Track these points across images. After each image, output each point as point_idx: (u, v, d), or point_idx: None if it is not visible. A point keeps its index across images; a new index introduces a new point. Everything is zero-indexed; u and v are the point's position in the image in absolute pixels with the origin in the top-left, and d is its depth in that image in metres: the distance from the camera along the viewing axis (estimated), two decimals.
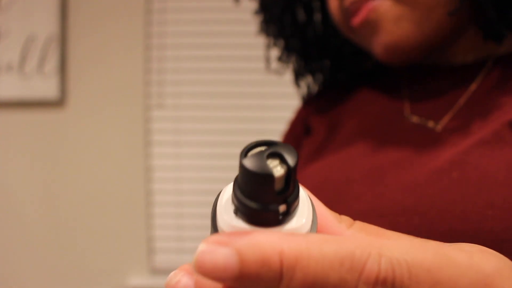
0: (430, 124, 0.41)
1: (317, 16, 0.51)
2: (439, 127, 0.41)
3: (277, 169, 0.17)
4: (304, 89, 0.57)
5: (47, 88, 1.49)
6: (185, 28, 1.52)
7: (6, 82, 1.50)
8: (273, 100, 1.50)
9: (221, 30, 1.51)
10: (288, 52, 0.54)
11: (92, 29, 1.51)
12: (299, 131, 0.54)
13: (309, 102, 0.56)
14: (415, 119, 0.43)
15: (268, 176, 0.17)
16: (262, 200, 0.17)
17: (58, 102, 1.51)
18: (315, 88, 0.57)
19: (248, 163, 0.17)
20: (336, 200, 0.41)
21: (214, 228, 0.20)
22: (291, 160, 0.17)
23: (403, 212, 0.36)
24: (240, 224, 0.19)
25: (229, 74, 1.52)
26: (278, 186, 0.17)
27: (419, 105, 0.43)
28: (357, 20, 0.40)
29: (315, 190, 0.42)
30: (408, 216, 0.35)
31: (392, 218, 0.36)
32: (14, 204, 1.53)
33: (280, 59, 0.55)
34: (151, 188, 1.53)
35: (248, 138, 1.47)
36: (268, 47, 0.55)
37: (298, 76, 0.55)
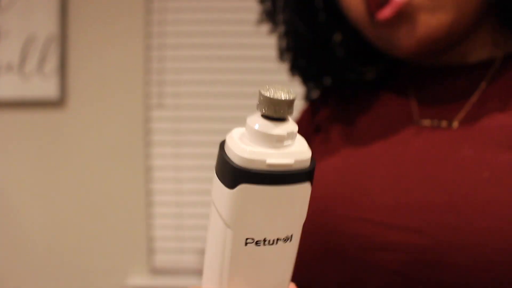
0: (443, 124, 0.41)
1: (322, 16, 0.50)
2: (453, 126, 0.40)
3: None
4: (314, 89, 0.55)
5: (47, 88, 1.49)
6: (185, 28, 1.52)
7: (6, 82, 1.49)
8: None
9: (221, 30, 1.51)
10: (301, 54, 0.52)
11: (92, 29, 1.51)
12: (308, 128, 0.53)
13: (317, 100, 0.55)
14: (426, 121, 0.42)
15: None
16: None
17: (58, 102, 1.51)
18: (317, 91, 0.56)
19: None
20: (359, 193, 0.40)
21: (222, 160, 0.24)
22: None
23: (436, 208, 0.35)
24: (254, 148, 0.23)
25: (229, 74, 1.52)
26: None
27: (429, 107, 0.43)
28: (387, 12, 0.38)
29: (335, 184, 0.42)
30: (442, 213, 0.35)
31: (424, 214, 0.36)
32: (14, 204, 1.53)
33: (292, 64, 0.53)
34: (151, 188, 1.53)
35: None
36: (282, 49, 0.53)
37: (306, 77, 0.54)
